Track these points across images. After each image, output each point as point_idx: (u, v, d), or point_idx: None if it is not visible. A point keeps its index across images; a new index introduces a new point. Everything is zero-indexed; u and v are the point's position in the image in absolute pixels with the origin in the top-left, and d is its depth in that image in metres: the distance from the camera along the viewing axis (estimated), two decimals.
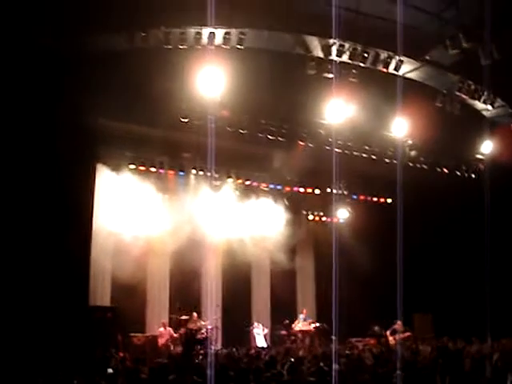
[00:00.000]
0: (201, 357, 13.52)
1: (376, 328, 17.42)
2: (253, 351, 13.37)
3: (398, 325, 16.97)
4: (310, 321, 17.86)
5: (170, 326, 15.98)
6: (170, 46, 13.10)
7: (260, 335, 17.38)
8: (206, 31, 13.05)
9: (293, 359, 10.26)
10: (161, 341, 15.49)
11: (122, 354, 12.69)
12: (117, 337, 14.05)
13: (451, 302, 17.88)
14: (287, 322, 17.66)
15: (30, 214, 12.20)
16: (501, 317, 16.05)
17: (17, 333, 11.28)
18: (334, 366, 7.83)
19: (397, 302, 17.80)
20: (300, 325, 17.60)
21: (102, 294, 15.74)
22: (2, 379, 7.68)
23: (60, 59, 12.23)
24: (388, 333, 17.09)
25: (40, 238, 12.26)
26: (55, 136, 12.52)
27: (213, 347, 15.56)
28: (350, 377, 7.05)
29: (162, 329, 15.80)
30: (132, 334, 15.31)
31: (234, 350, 14.25)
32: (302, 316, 17.83)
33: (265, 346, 17.01)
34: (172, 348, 15.21)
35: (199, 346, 14.75)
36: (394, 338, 16.86)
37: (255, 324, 17.65)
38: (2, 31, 11.50)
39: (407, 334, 16.87)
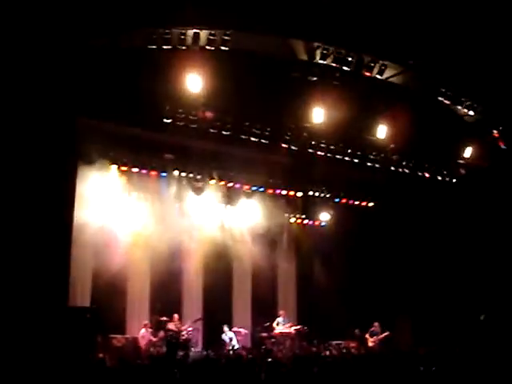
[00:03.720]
0: (181, 359, 13.43)
1: (356, 331, 17.53)
2: (231, 353, 13.33)
3: (375, 326, 17.23)
4: (290, 324, 17.77)
5: (151, 327, 15.87)
6: (153, 46, 13.07)
7: (231, 339, 17.03)
8: (190, 32, 13.04)
9: (270, 359, 10.28)
10: (142, 342, 15.39)
11: (101, 356, 12.58)
12: (96, 338, 13.90)
13: (431, 307, 17.97)
14: (267, 324, 17.60)
15: (10, 211, 12.08)
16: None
17: None
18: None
19: (376, 305, 18.07)
20: (281, 327, 17.50)
21: (81, 295, 15.60)
22: None
23: (45, 58, 12.13)
24: (367, 335, 17.26)
25: (19, 236, 12.14)
26: (37, 133, 12.42)
27: (193, 349, 15.52)
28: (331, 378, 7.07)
29: (143, 330, 15.69)
30: (112, 336, 15.20)
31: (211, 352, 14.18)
32: (280, 318, 17.74)
33: (236, 347, 16.74)
34: (152, 350, 15.10)
35: (181, 349, 14.66)
36: (374, 340, 17.04)
37: (224, 328, 17.06)
38: None
39: (385, 334, 17.04)
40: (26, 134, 12.29)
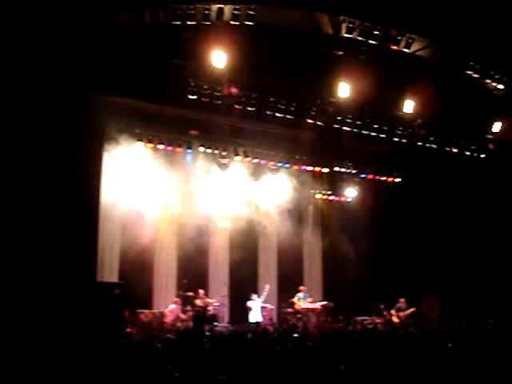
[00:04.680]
0: (208, 333, 13.55)
1: (381, 307, 17.49)
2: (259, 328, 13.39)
3: (401, 302, 17.20)
4: (311, 299, 17.80)
5: (180, 304, 16.01)
6: (178, 23, 13.02)
7: (254, 308, 17.00)
8: (214, 7, 12.96)
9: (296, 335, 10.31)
10: (169, 317, 15.56)
11: (129, 330, 12.76)
12: (124, 313, 14.11)
13: (458, 282, 17.87)
14: (293, 300, 17.66)
15: (38, 189, 12.24)
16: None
17: (23, 310, 11.36)
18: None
19: (403, 281, 18.01)
20: (301, 302, 17.53)
21: (109, 270, 15.82)
22: (8, 358, 7.70)
23: (68, 36, 12.16)
24: (393, 311, 17.23)
25: (48, 214, 12.32)
26: (63, 112, 12.52)
27: (219, 324, 15.65)
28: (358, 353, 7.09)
29: (173, 306, 15.86)
30: (139, 311, 15.40)
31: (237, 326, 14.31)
32: (301, 294, 17.77)
33: (259, 320, 16.71)
34: (179, 325, 15.26)
35: (207, 323, 14.78)
36: (399, 316, 17.02)
37: (253, 296, 17.15)
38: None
39: (411, 310, 17.02)
40: (50, 113, 12.39)
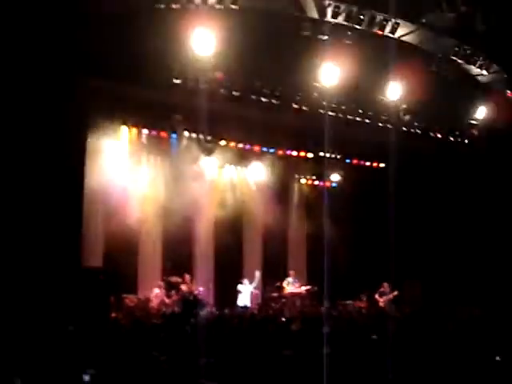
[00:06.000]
0: (194, 318, 13.59)
1: (362, 295, 17.62)
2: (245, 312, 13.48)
3: (385, 287, 17.34)
4: (299, 284, 17.90)
5: (165, 288, 16.01)
6: (162, 6, 12.90)
7: (244, 292, 17.08)
8: None
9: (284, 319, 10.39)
10: (154, 301, 15.58)
11: (114, 315, 12.76)
12: (109, 298, 14.07)
13: (441, 270, 18.01)
14: (278, 284, 17.74)
15: (20, 175, 12.14)
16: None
17: (7, 296, 11.31)
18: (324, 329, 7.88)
19: (386, 266, 18.11)
20: (291, 287, 17.62)
21: (94, 255, 15.74)
22: None
23: (50, 20, 12.00)
24: (377, 296, 17.39)
25: (31, 200, 12.24)
26: (45, 95, 12.40)
27: (205, 309, 15.70)
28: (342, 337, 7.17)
29: (157, 290, 15.86)
30: (124, 295, 15.39)
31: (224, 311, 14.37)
32: (290, 278, 17.86)
33: (247, 304, 16.84)
34: (164, 309, 15.28)
35: (195, 308, 14.82)
36: (383, 300, 17.17)
37: (244, 280, 17.26)
38: None
39: (393, 293, 17.17)
40: (31, 97, 12.27)
